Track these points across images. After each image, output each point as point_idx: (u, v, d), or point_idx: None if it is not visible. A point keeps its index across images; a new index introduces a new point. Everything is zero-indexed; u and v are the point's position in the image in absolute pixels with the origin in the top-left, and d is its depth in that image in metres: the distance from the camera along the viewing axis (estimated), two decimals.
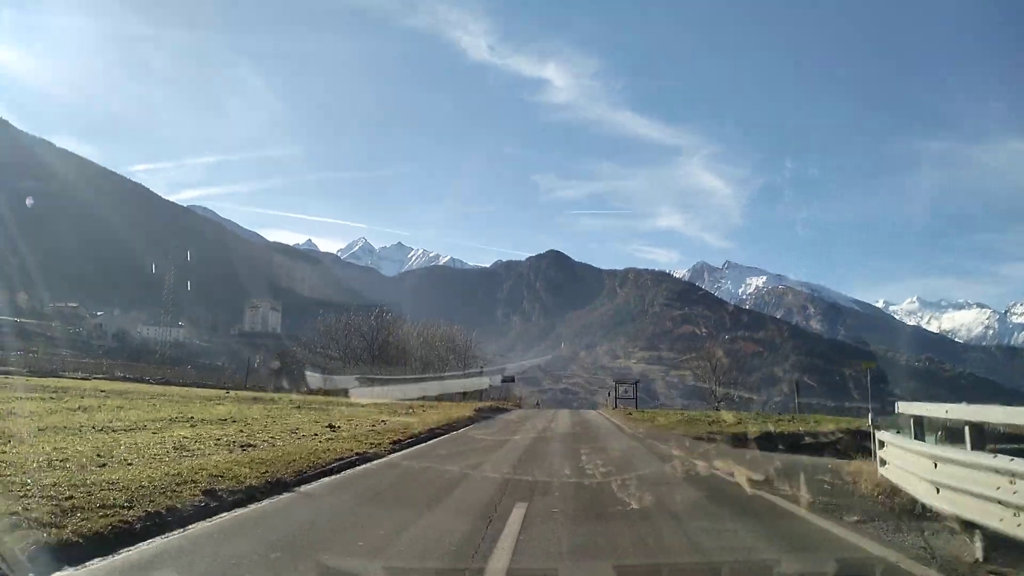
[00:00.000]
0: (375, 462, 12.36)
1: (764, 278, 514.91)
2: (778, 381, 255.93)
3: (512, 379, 65.80)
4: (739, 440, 19.46)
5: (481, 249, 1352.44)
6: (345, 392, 39.39)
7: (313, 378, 42.78)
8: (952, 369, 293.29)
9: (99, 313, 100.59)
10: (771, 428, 22.39)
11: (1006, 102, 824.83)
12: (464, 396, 50.28)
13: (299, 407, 26.76)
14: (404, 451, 14.61)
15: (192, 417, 17.82)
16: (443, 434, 19.91)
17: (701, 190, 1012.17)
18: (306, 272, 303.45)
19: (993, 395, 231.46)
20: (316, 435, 15.09)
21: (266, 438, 13.74)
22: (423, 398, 41.78)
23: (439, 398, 45.75)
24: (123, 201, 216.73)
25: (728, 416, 30.48)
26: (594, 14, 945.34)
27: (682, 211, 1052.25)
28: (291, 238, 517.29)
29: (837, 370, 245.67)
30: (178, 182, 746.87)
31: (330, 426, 17.65)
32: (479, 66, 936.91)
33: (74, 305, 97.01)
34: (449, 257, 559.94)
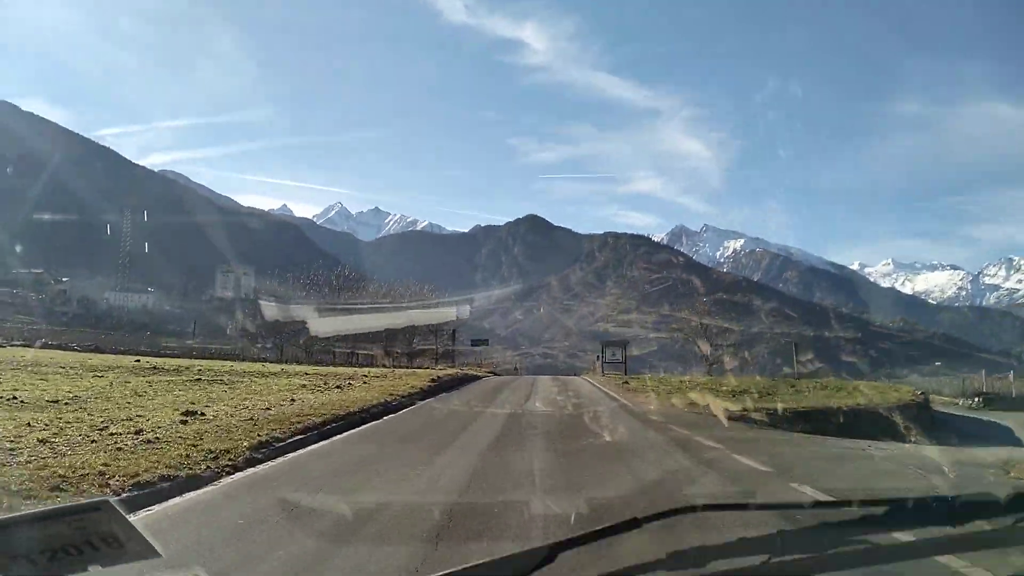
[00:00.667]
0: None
1: (742, 241, 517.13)
2: (756, 343, 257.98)
3: (486, 341, 59.54)
4: (786, 419, 15.92)
5: (459, 214, 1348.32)
6: (303, 323, 36.90)
7: (268, 307, 39.35)
8: (926, 330, 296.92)
9: (64, 279, 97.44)
10: (816, 401, 18.47)
11: (979, 65, 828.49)
12: (436, 360, 48.13)
13: (199, 380, 21.14)
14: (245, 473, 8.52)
15: (22, 400, 13.38)
16: (360, 424, 14.15)
17: (679, 153, 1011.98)
18: (281, 237, 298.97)
19: (965, 355, 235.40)
20: (115, 441, 9.18)
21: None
22: (373, 366, 39.23)
23: (395, 364, 43.52)
24: (92, 165, 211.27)
25: (737, 382, 25.88)
26: None
27: (660, 175, 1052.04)
28: (266, 203, 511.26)
29: (818, 333, 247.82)
30: (149, 146, 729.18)
31: (187, 414, 12.29)
32: (456, 27, 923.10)
33: (38, 271, 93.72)
34: (427, 222, 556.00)
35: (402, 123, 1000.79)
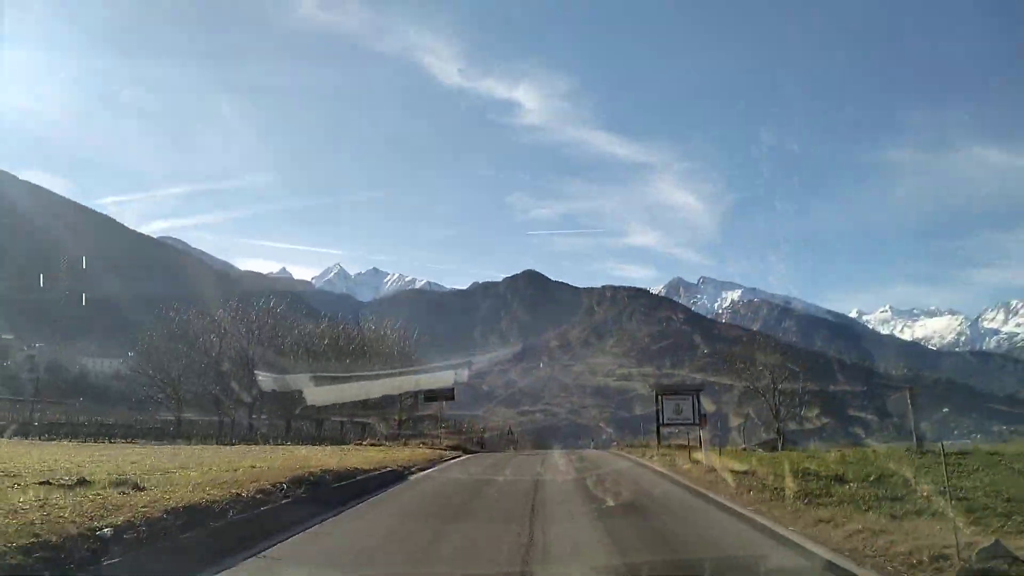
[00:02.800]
0: None
1: (739, 292, 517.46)
2: (765, 392, 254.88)
3: (451, 395, 40.93)
4: None
5: (457, 271, 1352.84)
6: (300, 393, 35.68)
7: (265, 380, 37.94)
8: (929, 376, 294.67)
9: (37, 345, 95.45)
10: None
11: (968, 109, 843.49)
12: (412, 429, 46.40)
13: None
14: None
15: None
16: None
17: (674, 206, 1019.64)
18: (279, 300, 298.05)
19: (970, 400, 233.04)
20: None
21: None
22: (368, 438, 37.79)
23: (397, 432, 42.08)
24: (88, 234, 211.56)
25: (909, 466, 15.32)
26: (562, 35, 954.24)
27: (655, 228, 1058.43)
28: (265, 267, 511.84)
29: (822, 387, 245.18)
30: (149, 213, 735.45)
31: None
32: (450, 90, 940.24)
33: (9, 337, 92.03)
34: (425, 281, 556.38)
35: (399, 183, 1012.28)
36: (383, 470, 19.53)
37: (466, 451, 35.51)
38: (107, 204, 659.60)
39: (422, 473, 21.10)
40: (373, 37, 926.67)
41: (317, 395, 34.70)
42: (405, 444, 33.35)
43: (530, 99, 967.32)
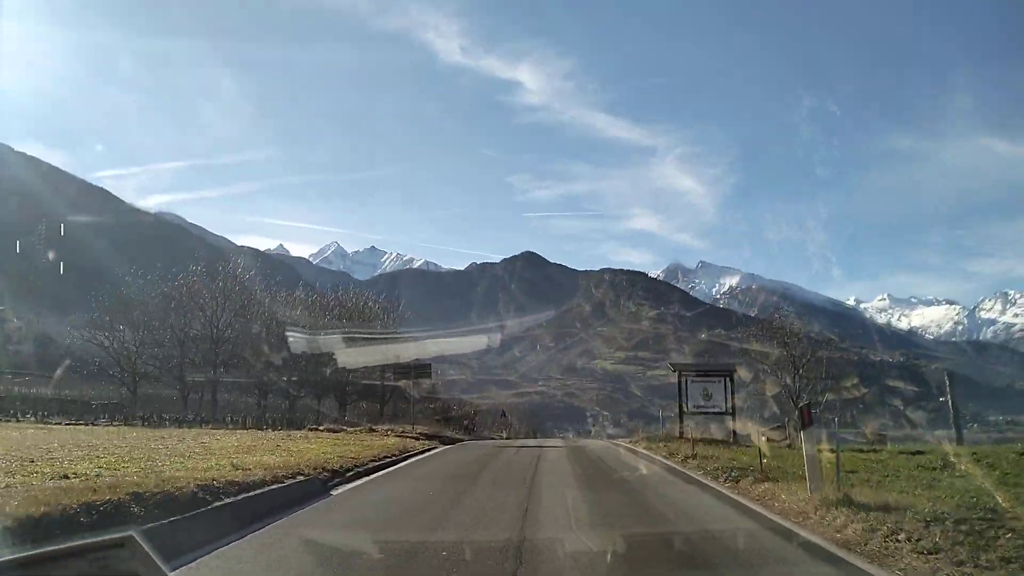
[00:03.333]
0: None
1: (737, 277, 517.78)
2: (762, 378, 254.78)
3: (427, 372, 36.14)
4: None
5: (455, 252, 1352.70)
6: (331, 356, 32.57)
7: (295, 340, 33.66)
8: (928, 365, 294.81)
9: (23, 316, 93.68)
10: None
11: (970, 99, 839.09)
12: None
13: None
14: None
15: None
16: None
17: (675, 190, 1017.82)
18: (274, 276, 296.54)
19: (968, 389, 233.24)
20: None
21: None
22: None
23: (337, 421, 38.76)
24: (86, 207, 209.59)
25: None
26: (565, 15, 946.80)
27: (656, 212, 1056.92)
28: (262, 243, 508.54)
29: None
30: (147, 188, 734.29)
31: None
32: (452, 68, 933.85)
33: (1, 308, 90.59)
34: (423, 260, 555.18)
35: (399, 162, 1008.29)
36: (379, 455, 17.11)
37: (444, 440, 29.16)
38: (105, 178, 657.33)
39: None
40: (375, 14, 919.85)
41: (348, 358, 31.91)
42: (371, 431, 27.90)
43: (532, 79, 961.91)
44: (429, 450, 23.70)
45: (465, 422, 47.42)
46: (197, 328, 43.95)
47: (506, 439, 47.14)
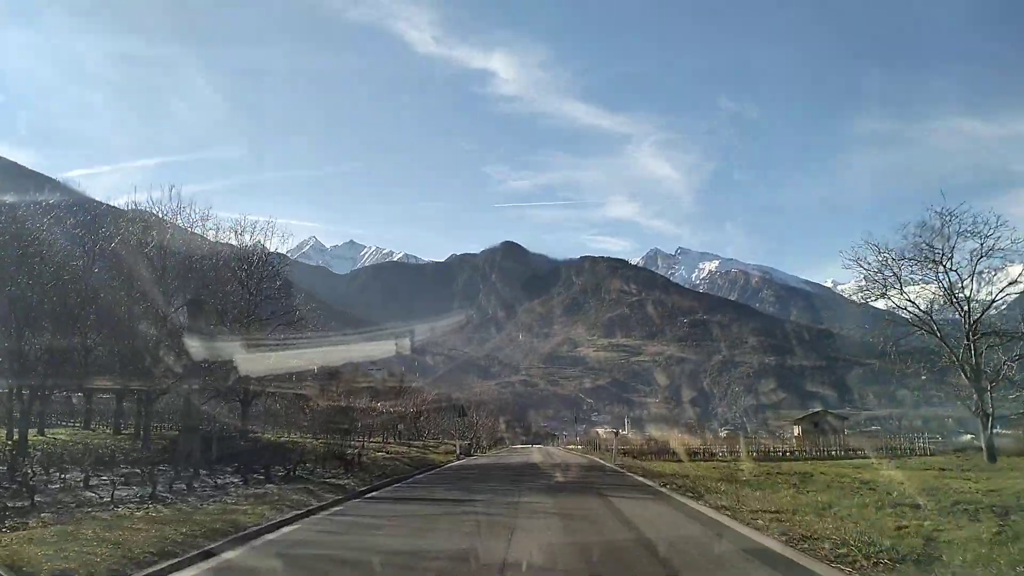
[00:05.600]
0: None
1: (717, 262, 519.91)
2: (738, 365, 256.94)
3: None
4: None
5: (435, 244, 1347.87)
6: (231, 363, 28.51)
7: (193, 345, 28.37)
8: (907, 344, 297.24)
9: None
10: None
11: (950, 80, 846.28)
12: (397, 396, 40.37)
13: None
14: None
15: None
16: None
17: (652, 177, 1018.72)
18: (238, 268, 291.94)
19: (943, 370, 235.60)
20: None
21: None
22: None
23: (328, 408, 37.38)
24: (53, 205, 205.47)
25: None
26: (538, 3, 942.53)
27: (634, 199, 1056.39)
28: (236, 240, 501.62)
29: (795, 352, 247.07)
30: (118, 187, 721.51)
31: None
32: (425, 58, 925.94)
33: None
34: (403, 253, 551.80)
35: (375, 155, 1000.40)
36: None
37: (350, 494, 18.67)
38: (74, 177, 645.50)
39: None
40: (348, 6, 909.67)
41: (250, 365, 28.43)
42: None
43: (506, 68, 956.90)
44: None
45: (399, 427, 39.50)
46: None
47: (457, 459, 42.80)
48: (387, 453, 36.09)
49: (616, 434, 49.22)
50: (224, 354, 27.01)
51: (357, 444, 37.95)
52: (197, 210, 33.18)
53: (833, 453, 44.00)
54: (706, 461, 37.23)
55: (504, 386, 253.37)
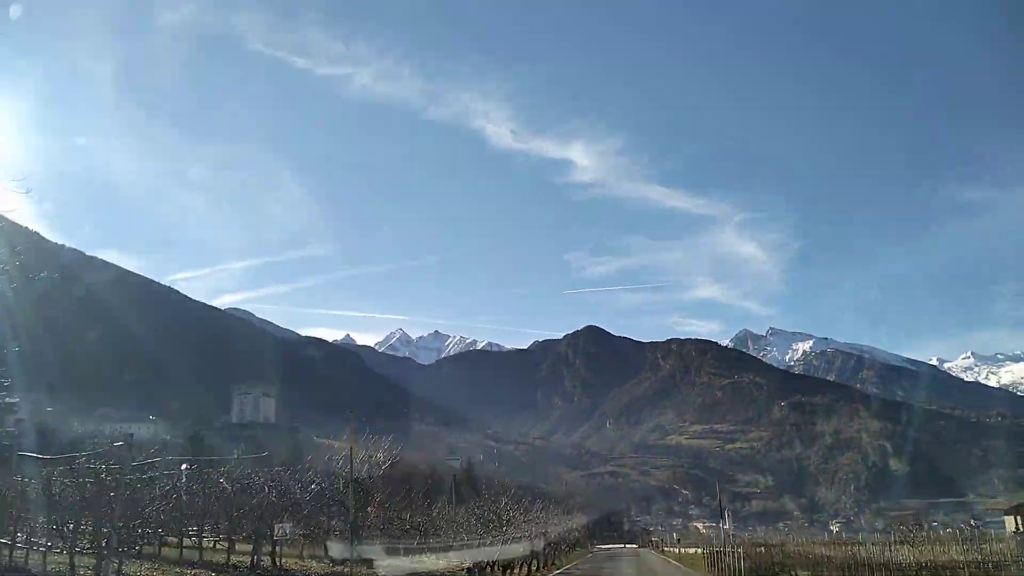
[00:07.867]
0: None
1: (811, 342, 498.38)
2: (845, 450, 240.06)
3: None
4: None
5: (517, 332, 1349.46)
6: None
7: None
8: None
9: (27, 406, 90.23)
10: None
11: None
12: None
13: None
14: None
15: None
16: None
17: (737, 258, 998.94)
18: (340, 366, 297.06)
19: None
20: None
21: None
22: None
23: None
24: (157, 309, 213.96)
25: None
26: (613, 92, 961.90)
27: (719, 280, 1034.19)
28: (329, 335, 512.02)
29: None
30: (218, 287, 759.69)
31: None
32: (503, 152, 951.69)
33: (12, 401, 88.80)
34: (486, 342, 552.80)
35: (458, 247, 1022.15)
36: None
37: None
38: (177, 280, 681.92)
39: None
40: (427, 105, 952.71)
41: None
42: None
43: (584, 157, 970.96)
44: None
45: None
46: None
47: None
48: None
49: (731, 536, 40.50)
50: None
51: None
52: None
53: None
54: None
55: (593, 476, 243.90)
